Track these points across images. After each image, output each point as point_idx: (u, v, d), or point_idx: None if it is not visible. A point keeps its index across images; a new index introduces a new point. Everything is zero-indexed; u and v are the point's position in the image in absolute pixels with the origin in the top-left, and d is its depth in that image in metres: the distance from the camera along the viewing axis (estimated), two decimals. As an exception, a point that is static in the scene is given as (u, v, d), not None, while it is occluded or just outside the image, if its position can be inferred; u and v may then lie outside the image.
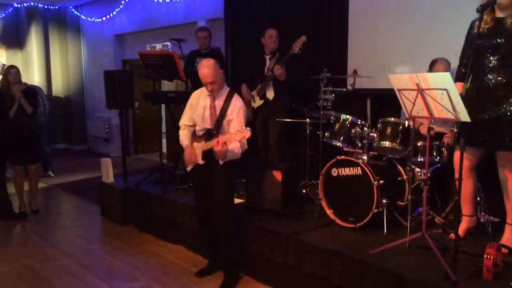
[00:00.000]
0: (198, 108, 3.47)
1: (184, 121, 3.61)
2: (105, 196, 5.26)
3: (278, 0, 5.41)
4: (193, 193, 3.75)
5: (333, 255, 3.02)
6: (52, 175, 7.41)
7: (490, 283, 2.50)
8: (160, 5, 7.82)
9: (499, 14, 2.78)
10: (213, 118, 3.40)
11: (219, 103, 3.39)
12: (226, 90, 3.44)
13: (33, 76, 9.71)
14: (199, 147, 3.42)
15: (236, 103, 3.38)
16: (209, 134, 3.39)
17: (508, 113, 2.71)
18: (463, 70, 2.93)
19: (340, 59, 4.85)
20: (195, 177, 3.56)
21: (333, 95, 3.91)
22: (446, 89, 2.49)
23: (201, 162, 3.41)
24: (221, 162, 3.32)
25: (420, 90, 2.63)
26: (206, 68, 3.29)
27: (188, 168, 3.57)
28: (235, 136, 3.11)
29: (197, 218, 3.67)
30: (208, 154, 3.35)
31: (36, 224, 5.12)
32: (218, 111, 3.38)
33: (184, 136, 3.58)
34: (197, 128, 3.52)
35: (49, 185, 6.90)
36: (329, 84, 3.94)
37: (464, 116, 2.52)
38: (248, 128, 3.08)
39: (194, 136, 3.52)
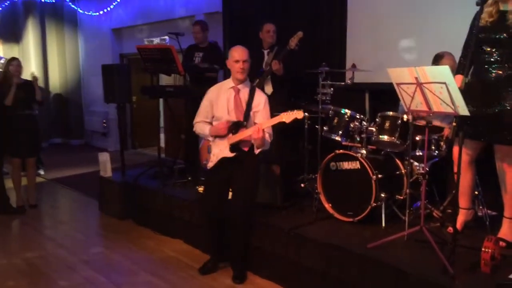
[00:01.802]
0: (220, 103, 3.47)
1: (200, 117, 3.57)
2: (103, 191, 5.26)
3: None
4: (207, 187, 3.62)
5: (331, 249, 3.03)
6: (42, 173, 7.11)
7: (488, 276, 2.51)
8: (158, -1, 7.79)
9: (502, 7, 2.77)
10: (240, 110, 3.42)
11: (244, 95, 3.44)
12: (248, 83, 3.53)
13: (30, 70, 9.65)
14: (227, 140, 3.40)
15: (261, 95, 3.52)
16: (236, 126, 3.39)
17: (509, 108, 2.71)
18: (463, 62, 2.93)
19: (339, 53, 4.84)
20: (216, 173, 3.47)
21: (332, 89, 3.91)
22: (445, 83, 2.48)
23: (230, 154, 3.39)
24: (256, 151, 3.36)
25: (419, 84, 2.63)
26: (239, 48, 3.42)
27: (210, 164, 3.48)
28: (285, 117, 3.14)
29: (207, 214, 3.55)
30: (237, 145, 3.37)
31: (34, 219, 5.11)
32: (243, 103, 3.41)
33: (201, 126, 3.55)
34: (215, 123, 3.50)
35: (47, 180, 6.89)
36: (327, 78, 3.94)
37: (463, 110, 2.52)
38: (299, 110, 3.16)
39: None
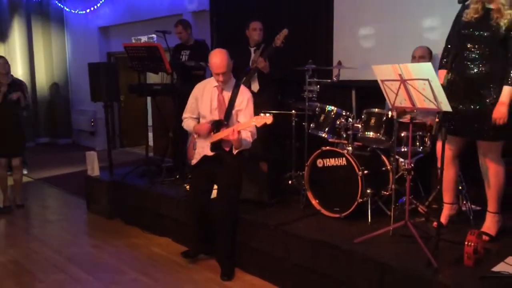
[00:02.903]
0: (204, 100, 3.48)
1: (187, 113, 3.63)
2: (91, 190, 5.23)
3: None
4: (191, 184, 3.72)
5: (319, 245, 3.05)
6: (26, 172, 6.88)
7: (471, 269, 2.55)
8: (145, -3, 7.76)
9: (486, 5, 2.80)
10: (222, 109, 3.42)
11: (227, 94, 3.43)
12: (233, 81, 3.48)
13: (16, 69, 9.54)
14: (208, 138, 3.41)
15: (245, 93, 3.46)
16: (218, 125, 3.39)
17: (489, 105, 2.75)
18: (444, 59, 2.97)
19: (325, 50, 4.87)
20: (199, 169, 3.54)
21: (318, 86, 3.94)
22: (427, 79, 2.52)
23: (210, 153, 3.40)
24: (235, 152, 3.34)
25: (403, 81, 2.66)
26: (219, 58, 3.32)
27: (194, 161, 3.55)
28: (255, 121, 3.12)
29: (191, 210, 3.62)
30: (218, 145, 3.36)
31: (21, 219, 5.07)
32: (227, 102, 3.40)
33: (188, 122, 3.59)
34: (202, 120, 3.53)
35: (33, 179, 6.83)
36: (314, 75, 3.96)
37: (446, 106, 2.56)
38: (269, 114, 3.11)
39: None
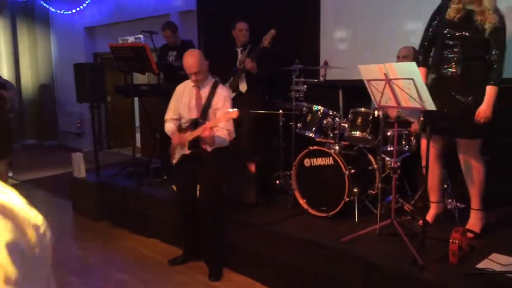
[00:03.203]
0: (183, 100, 3.49)
1: (169, 114, 3.63)
2: (77, 191, 5.19)
3: (250, -8, 5.41)
4: (177, 184, 3.79)
5: (306, 244, 3.07)
6: (11, 174, 6.70)
7: (456, 266, 2.58)
8: (132, -3, 7.71)
9: (468, 6, 2.84)
10: (199, 108, 3.42)
11: (204, 93, 3.43)
12: (211, 80, 3.48)
13: (1, 71, 9.42)
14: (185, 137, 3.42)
15: (222, 92, 3.44)
16: (194, 124, 3.40)
17: (469, 104, 2.80)
18: (420, 57, 3.02)
19: (312, 51, 4.88)
20: (181, 168, 3.56)
21: (305, 86, 3.95)
22: (412, 79, 2.55)
23: (187, 151, 3.41)
24: (209, 149, 3.34)
25: (388, 80, 2.69)
26: (191, 58, 3.32)
27: (174, 161, 3.58)
28: (222, 118, 3.16)
29: (178, 210, 3.67)
30: (195, 143, 3.36)
31: (6, 221, 5.00)
32: (203, 101, 3.40)
33: (170, 127, 3.61)
34: (183, 120, 3.54)
35: (19, 182, 6.75)
36: (301, 75, 3.98)
37: (430, 105, 2.59)
38: (235, 109, 3.12)
39: (180, 129, 3.52)
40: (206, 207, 3.41)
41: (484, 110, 2.76)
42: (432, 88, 2.80)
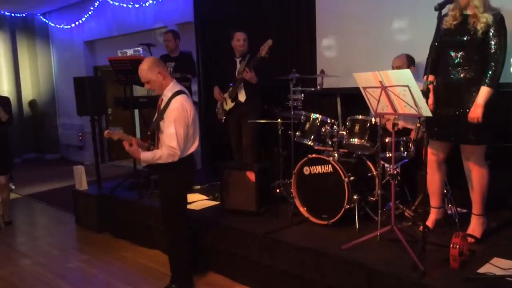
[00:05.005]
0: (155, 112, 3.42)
1: None
2: (79, 204, 5.20)
3: (247, 3, 5.45)
4: None
5: (306, 252, 3.07)
6: (13, 187, 6.89)
7: (457, 271, 2.58)
8: (130, 11, 7.78)
9: (463, 11, 2.86)
10: (155, 119, 3.28)
11: (163, 104, 3.23)
12: (172, 91, 3.18)
13: (2, 85, 9.52)
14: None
15: (173, 104, 3.12)
16: (152, 135, 3.28)
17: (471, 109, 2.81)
18: (428, 66, 3.03)
19: (308, 59, 4.92)
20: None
21: (303, 95, 3.98)
22: (407, 86, 2.57)
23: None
24: (142, 166, 3.34)
25: (384, 88, 2.71)
26: (140, 68, 3.17)
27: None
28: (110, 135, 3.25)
29: None
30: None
31: (9, 236, 5.02)
32: (158, 112, 3.28)
33: None
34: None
35: (21, 196, 6.77)
36: (298, 84, 4.01)
37: (426, 111, 2.61)
38: (117, 129, 3.21)
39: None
40: (162, 221, 3.40)
41: (473, 110, 2.76)
42: (436, 94, 2.82)
